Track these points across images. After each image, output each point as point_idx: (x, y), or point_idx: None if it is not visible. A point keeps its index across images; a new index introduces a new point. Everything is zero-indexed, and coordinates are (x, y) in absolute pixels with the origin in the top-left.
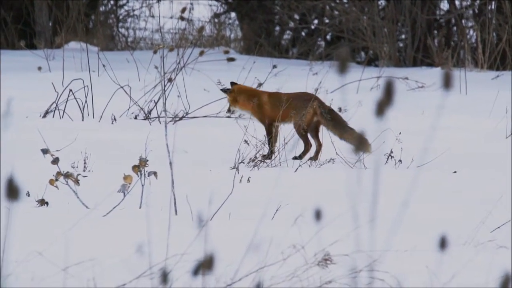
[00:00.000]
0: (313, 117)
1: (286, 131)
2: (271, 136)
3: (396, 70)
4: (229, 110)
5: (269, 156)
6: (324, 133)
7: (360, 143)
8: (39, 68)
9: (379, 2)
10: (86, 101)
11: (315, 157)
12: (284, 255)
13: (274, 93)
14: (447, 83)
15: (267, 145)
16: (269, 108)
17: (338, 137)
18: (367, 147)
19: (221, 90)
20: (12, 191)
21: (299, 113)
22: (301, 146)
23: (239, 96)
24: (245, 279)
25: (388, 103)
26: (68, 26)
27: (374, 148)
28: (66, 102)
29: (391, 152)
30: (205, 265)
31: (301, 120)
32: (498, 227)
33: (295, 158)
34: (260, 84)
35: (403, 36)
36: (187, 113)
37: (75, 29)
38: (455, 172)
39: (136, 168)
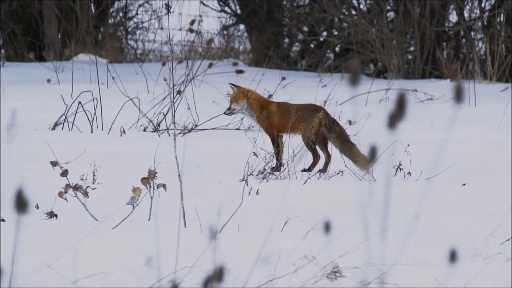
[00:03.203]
0: (320, 128)
1: (295, 143)
2: (278, 147)
3: (405, 82)
4: (229, 109)
5: (277, 168)
6: (333, 145)
7: (361, 161)
8: (48, 80)
9: (388, 14)
10: (95, 113)
11: (324, 169)
12: (293, 267)
13: (283, 103)
14: (458, 96)
15: (275, 157)
16: (277, 118)
17: (339, 149)
18: (364, 165)
19: (230, 84)
20: (21, 204)
21: (306, 125)
22: (309, 158)
23: (250, 93)
24: None
25: (400, 116)
26: (77, 38)
27: (383, 160)
28: (75, 114)
29: (400, 164)
30: (215, 278)
31: (309, 132)
32: (508, 240)
33: (304, 170)
34: (269, 96)
35: (412, 48)
36: (196, 125)
37: (84, 41)
38: (464, 184)
39: (145, 181)
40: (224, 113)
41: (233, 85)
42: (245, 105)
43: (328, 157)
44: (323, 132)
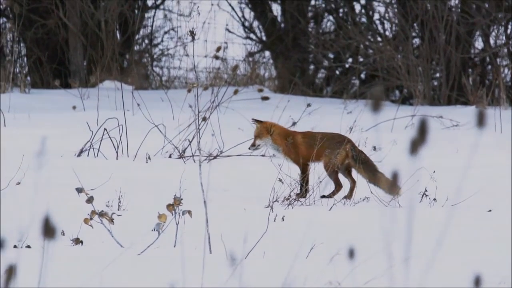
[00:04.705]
0: (345, 159)
1: (321, 169)
2: (306, 174)
3: (431, 109)
4: (253, 145)
5: (303, 194)
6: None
7: (390, 188)
8: (74, 107)
9: (414, 41)
10: (120, 140)
11: (349, 195)
12: None
13: (308, 133)
14: (480, 121)
15: (300, 183)
16: (304, 148)
17: (367, 180)
18: (396, 192)
19: (252, 119)
20: (48, 230)
21: (330, 154)
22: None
23: (274, 128)
24: None
25: (422, 142)
26: (102, 65)
27: (408, 186)
28: (101, 141)
29: (426, 190)
30: None
31: (332, 161)
32: None
33: (323, 196)
34: (294, 123)
35: (437, 75)
36: (221, 152)
37: (110, 68)
38: (490, 210)
39: (171, 207)
40: (249, 148)
41: (255, 120)
42: (269, 141)
43: (353, 182)
44: (349, 163)
